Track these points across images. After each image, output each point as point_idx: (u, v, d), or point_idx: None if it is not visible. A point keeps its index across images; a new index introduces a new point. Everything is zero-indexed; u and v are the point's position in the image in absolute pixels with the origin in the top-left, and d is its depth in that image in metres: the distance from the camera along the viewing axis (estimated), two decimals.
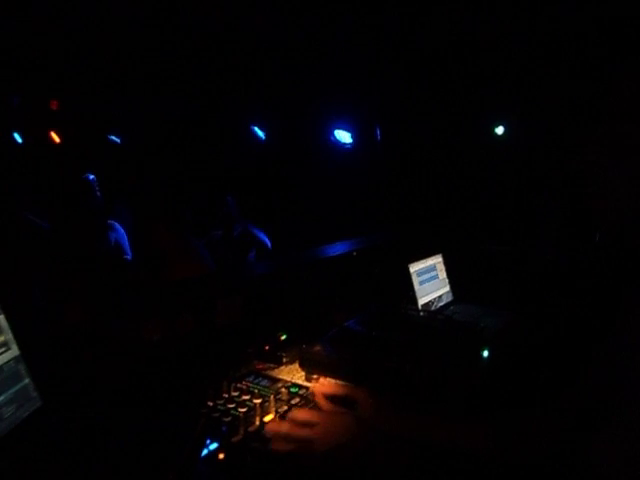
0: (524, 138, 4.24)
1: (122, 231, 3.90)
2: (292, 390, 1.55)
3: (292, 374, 1.98)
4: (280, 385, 1.58)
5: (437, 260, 2.86)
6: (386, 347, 1.98)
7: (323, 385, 1.88)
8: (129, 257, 3.76)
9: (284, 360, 2.03)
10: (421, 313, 2.52)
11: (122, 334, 1.78)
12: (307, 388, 1.59)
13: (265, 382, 1.63)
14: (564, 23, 3.48)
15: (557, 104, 4.13)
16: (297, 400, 1.49)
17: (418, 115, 4.03)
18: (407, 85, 4.07)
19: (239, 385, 1.58)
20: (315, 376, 1.91)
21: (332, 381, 1.93)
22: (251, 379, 1.65)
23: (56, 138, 7.12)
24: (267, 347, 2.09)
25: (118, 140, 7.29)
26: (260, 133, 6.04)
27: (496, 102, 4.53)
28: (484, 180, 3.98)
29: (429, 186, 3.71)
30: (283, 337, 2.20)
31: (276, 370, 1.99)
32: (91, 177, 3.75)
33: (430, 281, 2.73)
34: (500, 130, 4.70)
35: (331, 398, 1.62)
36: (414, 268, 2.63)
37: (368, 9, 3.39)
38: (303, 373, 1.94)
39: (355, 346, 1.98)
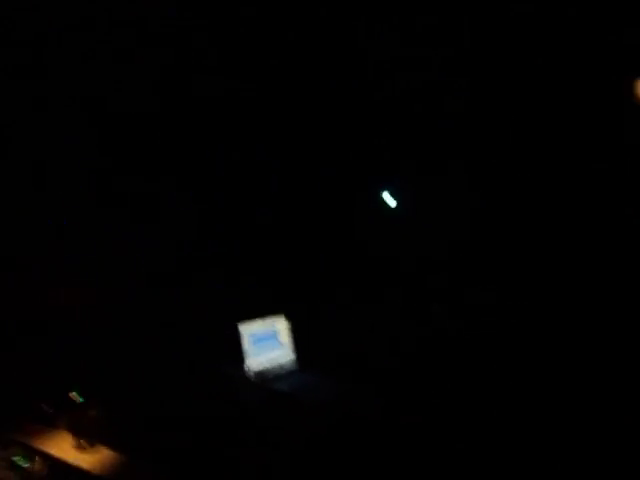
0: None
1: None
2: (18, 463, 1.33)
3: (62, 440, 1.76)
4: (8, 454, 1.36)
5: (280, 324, 2.74)
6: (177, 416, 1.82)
7: (90, 455, 1.68)
8: None
9: (57, 423, 1.81)
10: (250, 379, 2.38)
11: None
12: (40, 460, 1.38)
13: None
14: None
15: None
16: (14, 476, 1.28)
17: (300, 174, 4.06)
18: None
19: None
20: (84, 444, 1.71)
21: (104, 451, 1.73)
22: None
23: None
24: (45, 406, 1.87)
25: None
26: None
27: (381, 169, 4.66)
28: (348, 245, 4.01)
29: (286, 244, 3.68)
30: (76, 397, 1.97)
31: (46, 434, 1.77)
32: None
33: (266, 342, 2.60)
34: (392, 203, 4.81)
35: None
36: (247, 329, 2.50)
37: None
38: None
39: (139, 415, 1.80)
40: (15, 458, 1.35)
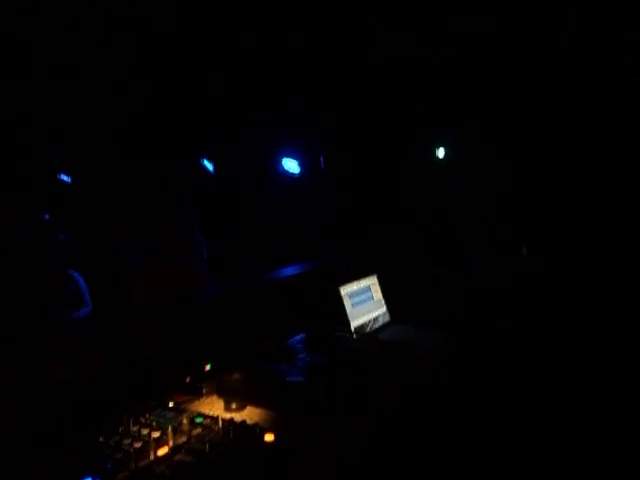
0: (463, 162, 4.37)
1: (82, 282, 3.34)
2: (196, 421, 1.48)
3: (211, 405, 1.91)
4: (184, 416, 1.52)
5: (372, 281, 2.86)
6: (306, 371, 1.95)
7: (241, 414, 1.83)
8: (89, 309, 3.29)
9: (204, 391, 1.96)
10: (354, 335, 2.50)
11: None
12: (212, 418, 1.53)
13: (171, 414, 1.56)
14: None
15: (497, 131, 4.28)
16: (199, 431, 1.43)
17: (358, 142, 4.12)
18: (347, 112, 4.15)
19: (141, 419, 1.50)
20: (234, 406, 1.86)
21: (254, 410, 1.88)
22: (157, 412, 1.58)
23: None
24: (188, 378, 2.03)
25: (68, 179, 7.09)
26: (209, 166, 6.00)
27: (437, 126, 4.66)
28: (421, 202, 4.06)
29: (366, 208, 3.76)
30: (208, 367, 2.14)
31: (196, 402, 1.93)
32: (45, 217, 3.13)
33: (364, 303, 2.72)
34: (441, 153, 4.82)
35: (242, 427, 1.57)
36: (345, 290, 2.61)
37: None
38: (223, 404, 1.88)
39: (275, 373, 1.93)
40: (195, 417, 1.49)
